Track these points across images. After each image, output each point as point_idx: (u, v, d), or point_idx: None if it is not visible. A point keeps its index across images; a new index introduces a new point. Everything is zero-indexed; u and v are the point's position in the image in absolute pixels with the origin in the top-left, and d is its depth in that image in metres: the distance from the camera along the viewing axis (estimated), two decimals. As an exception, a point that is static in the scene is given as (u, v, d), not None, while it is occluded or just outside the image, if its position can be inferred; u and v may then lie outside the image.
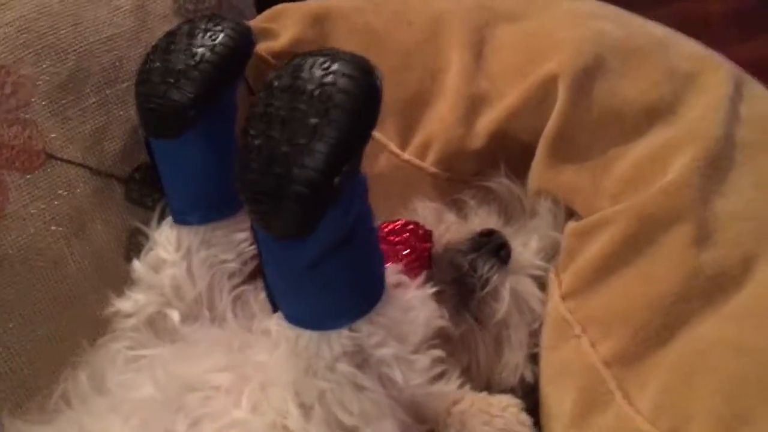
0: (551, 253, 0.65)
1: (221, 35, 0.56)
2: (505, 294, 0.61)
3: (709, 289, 0.58)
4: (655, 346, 0.56)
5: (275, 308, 0.49)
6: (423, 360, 0.50)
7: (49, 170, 0.57)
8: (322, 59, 0.42)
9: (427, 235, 0.63)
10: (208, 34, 0.57)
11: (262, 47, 0.74)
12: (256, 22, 0.76)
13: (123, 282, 0.59)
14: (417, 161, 0.72)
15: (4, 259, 0.54)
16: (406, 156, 0.72)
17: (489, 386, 0.61)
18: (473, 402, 0.55)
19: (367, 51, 0.70)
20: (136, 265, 0.59)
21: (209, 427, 0.50)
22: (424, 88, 0.73)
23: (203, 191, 0.59)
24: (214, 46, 0.56)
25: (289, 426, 0.48)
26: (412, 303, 0.51)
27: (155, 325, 0.58)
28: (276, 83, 0.43)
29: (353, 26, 0.75)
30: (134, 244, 0.61)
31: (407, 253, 0.61)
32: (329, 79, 0.41)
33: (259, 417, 0.49)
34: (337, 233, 0.44)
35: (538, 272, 0.64)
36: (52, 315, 0.57)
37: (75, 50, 0.60)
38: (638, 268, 0.59)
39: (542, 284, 0.65)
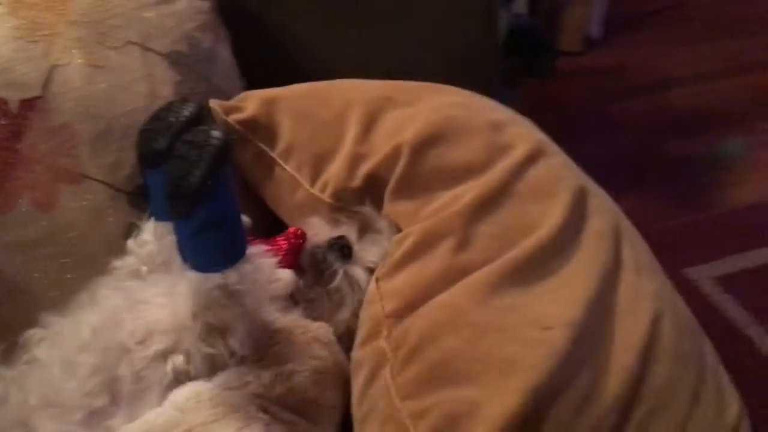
0: (381, 257, 1.05)
1: (183, 111, 1.01)
2: (341, 274, 1.02)
3: (457, 276, 0.95)
4: (416, 307, 0.94)
5: (183, 259, 0.92)
6: (263, 293, 0.92)
7: (84, 185, 1.03)
8: (208, 129, 0.86)
9: (302, 236, 1.05)
10: (176, 110, 1.01)
11: (232, 117, 1.19)
12: (231, 102, 1.22)
13: (122, 252, 1.04)
14: (319, 194, 1.13)
15: (54, 232, 1.00)
16: (313, 190, 1.14)
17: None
18: (299, 321, 0.96)
19: (296, 122, 1.16)
20: (130, 242, 1.04)
21: (146, 318, 0.91)
22: (329, 147, 1.15)
23: None
24: (178, 117, 1.00)
25: (186, 324, 0.90)
26: (263, 265, 0.93)
27: (135, 275, 1.02)
28: (183, 138, 0.87)
29: (290, 107, 1.18)
30: (131, 232, 1.06)
31: (286, 245, 1.03)
32: (206, 138, 0.85)
33: (172, 317, 0.90)
34: (208, 217, 0.86)
35: (371, 265, 1.04)
36: (78, 266, 1.02)
37: (106, 117, 1.07)
38: (419, 263, 0.98)
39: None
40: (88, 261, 1.02)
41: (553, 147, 1.15)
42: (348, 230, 1.08)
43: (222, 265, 0.87)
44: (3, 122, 0.99)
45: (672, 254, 1.13)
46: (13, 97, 1.00)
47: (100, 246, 1.03)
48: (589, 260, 0.97)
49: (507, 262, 0.94)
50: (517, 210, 1.01)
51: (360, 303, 1.03)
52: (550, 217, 1.01)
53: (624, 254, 1.02)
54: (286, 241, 1.03)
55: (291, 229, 1.07)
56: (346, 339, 1.02)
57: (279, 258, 1.02)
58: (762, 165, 2.20)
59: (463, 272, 0.95)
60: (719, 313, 1.71)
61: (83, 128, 1.04)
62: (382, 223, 1.07)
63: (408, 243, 1.00)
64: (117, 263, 1.01)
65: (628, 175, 2.10)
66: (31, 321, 0.94)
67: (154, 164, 0.98)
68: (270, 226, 1.20)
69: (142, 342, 0.90)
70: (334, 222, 1.10)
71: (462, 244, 0.97)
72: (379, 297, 0.97)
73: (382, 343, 0.90)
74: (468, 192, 1.03)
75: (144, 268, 1.01)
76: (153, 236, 1.03)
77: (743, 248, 1.87)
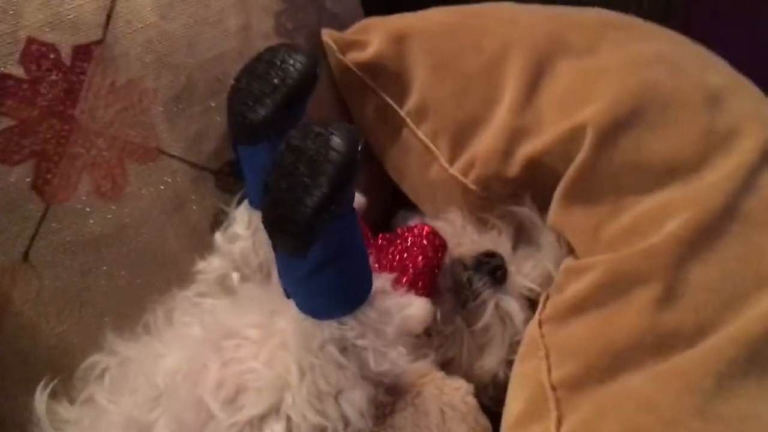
0: (542, 281, 0.79)
1: (292, 69, 0.74)
2: (491, 308, 0.77)
3: (659, 345, 0.70)
4: (596, 382, 0.70)
5: (289, 297, 0.69)
6: (393, 353, 0.69)
7: (159, 163, 0.79)
8: (324, 130, 0.59)
9: (441, 246, 0.79)
10: (283, 65, 0.74)
11: (350, 57, 0.91)
12: (349, 34, 0.92)
13: (208, 249, 0.81)
14: (461, 177, 0.86)
15: (122, 225, 0.78)
16: (452, 171, 0.87)
17: (467, 379, 0.78)
18: (433, 378, 0.73)
19: (435, 72, 0.87)
20: (217, 236, 0.81)
21: (234, 368, 0.70)
22: (477, 113, 0.86)
23: None
24: (285, 78, 0.73)
25: (290, 382, 0.69)
26: (390, 308, 0.69)
27: (224, 283, 0.80)
28: (290, 143, 0.61)
29: (426, 48, 0.89)
30: (219, 222, 0.83)
31: (421, 260, 0.78)
32: (323, 149, 0.58)
33: (269, 370, 0.70)
34: (325, 255, 0.63)
35: (527, 294, 0.79)
36: (153, 269, 0.80)
37: (188, 67, 0.80)
38: (604, 313, 0.72)
39: (534, 305, 0.79)
40: (166, 262, 0.80)
41: (790, 133, 0.83)
42: (500, 240, 0.82)
43: (339, 310, 0.66)
44: (53, 77, 0.73)
45: None
46: (64, 42, 0.74)
47: (181, 242, 0.81)
48: None
49: (738, 339, 0.67)
50: (747, 246, 0.73)
51: (513, 343, 0.79)
52: (796, 262, 0.72)
53: None
54: (420, 252, 0.78)
55: (424, 229, 0.81)
56: (492, 390, 0.79)
57: (410, 278, 0.78)
58: None
59: (668, 342, 0.70)
60: None
61: (157, 85, 0.79)
62: (546, 237, 0.80)
63: (591, 280, 0.74)
64: (201, 265, 0.79)
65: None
66: (93, 342, 0.75)
67: (251, 139, 0.74)
68: (388, 198, 0.95)
69: (230, 402, 0.70)
70: (481, 223, 0.84)
71: (668, 296, 0.71)
72: (544, 352, 0.73)
73: (551, 431, 0.67)
74: (675, 211, 0.74)
75: (235, 275, 0.78)
76: (246, 228, 0.80)
77: None
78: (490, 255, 0.79)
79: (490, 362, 0.78)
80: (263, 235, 0.75)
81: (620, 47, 0.87)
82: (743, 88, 0.86)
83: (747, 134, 0.79)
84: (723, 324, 0.69)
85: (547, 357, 0.73)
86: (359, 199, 0.89)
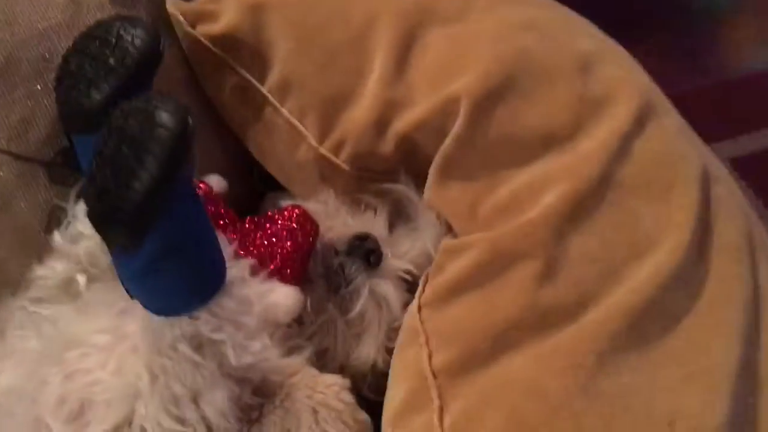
0: (420, 262, 0.75)
1: (130, 46, 0.65)
2: (365, 293, 0.72)
3: (540, 323, 0.67)
4: (478, 366, 0.66)
5: (131, 295, 0.61)
6: (255, 344, 0.63)
7: (-24, 157, 0.69)
8: (147, 106, 0.52)
9: (313, 230, 0.73)
10: (119, 43, 0.66)
11: (201, 30, 0.83)
12: (198, 3, 0.84)
13: (43, 252, 0.72)
14: (331, 156, 0.81)
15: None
16: (322, 150, 0.81)
17: (343, 371, 0.73)
18: (303, 377, 0.67)
19: (298, 44, 0.80)
20: (56, 236, 0.71)
21: (79, 381, 0.63)
22: (346, 87, 0.81)
23: None
24: (123, 57, 0.65)
25: (140, 389, 0.61)
26: (250, 297, 0.63)
27: (68, 289, 0.71)
28: (111, 124, 0.54)
29: (288, 19, 0.82)
30: (55, 219, 0.73)
31: (290, 244, 0.72)
32: (148, 127, 0.51)
33: (118, 378, 0.62)
34: (163, 245, 0.56)
35: (405, 276, 0.74)
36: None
37: (6, 45, 0.70)
38: (483, 293, 0.69)
39: (413, 287, 0.75)
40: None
41: (662, 99, 0.83)
42: (376, 221, 0.77)
43: (188, 304, 0.60)
44: None
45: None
46: None
47: (8, 246, 0.71)
48: (725, 298, 0.70)
49: (617, 311, 0.66)
50: (623, 214, 0.72)
51: (390, 330, 0.74)
52: (671, 228, 0.71)
53: (762, 280, 0.74)
54: (288, 236, 0.72)
55: (295, 212, 0.75)
56: (371, 379, 0.74)
57: (278, 264, 0.72)
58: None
59: (549, 319, 0.67)
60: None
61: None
62: (424, 215, 0.76)
63: (469, 259, 0.70)
64: (39, 271, 0.70)
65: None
66: None
67: (86, 128, 0.66)
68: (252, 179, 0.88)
69: (75, 419, 0.62)
70: (355, 203, 0.79)
71: (547, 271, 0.69)
72: (424, 338, 0.69)
73: (434, 428, 0.62)
74: (552, 183, 0.72)
75: (81, 278, 0.70)
76: (90, 226, 0.70)
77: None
78: (363, 237, 0.74)
79: (367, 350, 0.74)
80: None
81: (489, 12, 0.84)
82: (614, 53, 0.85)
83: (620, 100, 0.78)
84: (603, 296, 0.68)
85: (427, 343, 0.69)
86: (220, 182, 0.82)
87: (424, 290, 0.73)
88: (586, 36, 0.85)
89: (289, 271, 0.73)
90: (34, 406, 0.62)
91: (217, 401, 0.62)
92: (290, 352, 0.71)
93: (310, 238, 0.74)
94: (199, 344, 0.61)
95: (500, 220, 0.72)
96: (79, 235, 0.71)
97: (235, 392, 0.63)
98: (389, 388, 0.71)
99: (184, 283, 0.59)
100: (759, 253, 0.76)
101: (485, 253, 0.70)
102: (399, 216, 0.81)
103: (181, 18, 0.83)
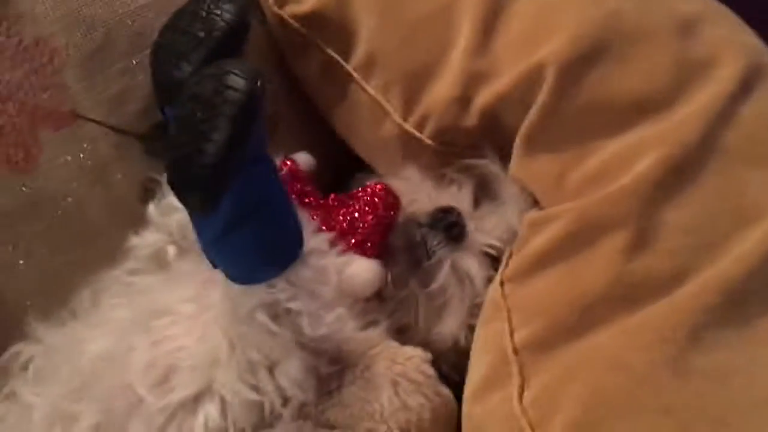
0: (506, 238, 0.72)
1: (218, 19, 0.67)
2: (446, 267, 0.71)
3: (630, 297, 0.63)
4: (562, 342, 0.63)
5: (213, 265, 0.62)
6: (330, 316, 0.63)
7: (76, 128, 0.73)
8: (219, 71, 0.54)
9: (394, 204, 0.72)
10: (209, 16, 0.68)
11: (288, 10, 0.84)
12: (286, -15, 0.85)
13: (139, 222, 0.75)
14: (416, 132, 0.80)
15: (37, 200, 0.71)
16: (407, 126, 0.80)
17: (425, 346, 0.71)
18: (384, 349, 0.66)
19: (381, 20, 0.80)
20: (150, 209, 0.74)
21: (165, 347, 0.65)
22: (430, 61, 0.79)
23: None
24: (211, 30, 0.67)
25: (220, 357, 0.62)
26: (327, 268, 0.63)
27: (159, 259, 0.74)
28: (186, 91, 0.55)
29: (372, -6, 0.81)
30: (150, 191, 0.76)
31: (371, 218, 0.72)
32: (220, 90, 0.52)
33: (202, 345, 0.64)
34: (239, 209, 0.57)
35: (489, 251, 0.72)
36: (74, 247, 0.74)
37: (104, 22, 0.74)
38: (570, 266, 0.65)
39: (499, 264, 0.72)
40: (90, 239, 0.74)
41: (769, 59, 0.76)
42: (460, 196, 0.75)
43: (266, 272, 0.61)
44: (-49, 39, 0.67)
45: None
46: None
47: (106, 216, 0.75)
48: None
49: (714, 284, 0.60)
50: (726, 182, 0.66)
51: (473, 307, 0.72)
52: (781, 195, 0.64)
53: None
54: (370, 210, 0.71)
55: (377, 187, 0.74)
56: (453, 357, 0.72)
57: (359, 238, 0.71)
58: None
59: (640, 292, 0.63)
60: None
61: (70, 42, 0.72)
62: (509, 189, 0.73)
63: (554, 231, 0.67)
64: (134, 241, 0.73)
65: None
66: (14, 331, 0.69)
67: (176, 99, 0.67)
68: (344, 162, 0.88)
69: (160, 384, 0.63)
70: (439, 178, 0.77)
71: (638, 243, 0.64)
72: (506, 313, 0.66)
73: (513, 404, 0.60)
74: (646, 150, 0.67)
75: (171, 249, 0.72)
76: None
77: None
78: (446, 211, 0.73)
79: (449, 327, 0.72)
80: None
81: (581, -22, 0.79)
82: (719, 13, 0.78)
83: (723, 62, 0.72)
84: (700, 269, 0.63)
85: (509, 318, 0.67)
86: (307, 158, 0.82)
87: (507, 264, 0.70)
88: (689, -1, 0.80)
89: (369, 244, 0.72)
90: (122, 371, 0.64)
91: (292, 371, 0.62)
92: (369, 326, 0.70)
93: (392, 212, 0.73)
94: (275, 314, 0.61)
95: (589, 191, 0.68)
96: (171, 207, 0.73)
97: (311, 363, 0.63)
98: (471, 366, 0.69)
99: (261, 250, 0.60)
100: None
101: (571, 224, 0.66)
102: (485, 192, 0.78)
103: (269, -1, 0.84)
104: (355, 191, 0.77)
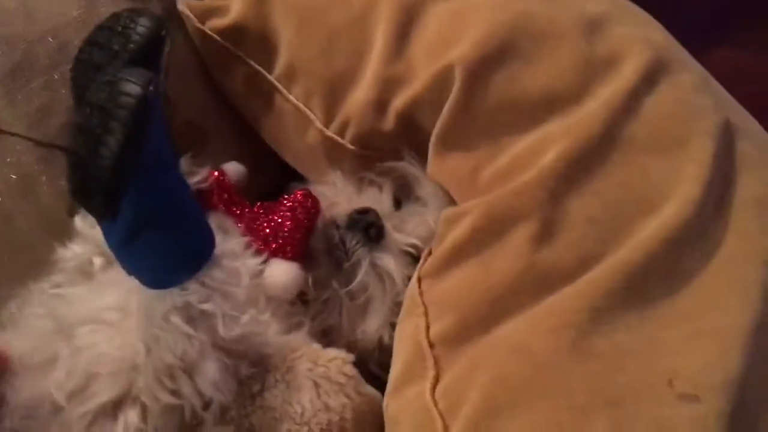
0: (427, 236, 0.73)
1: (133, 33, 0.68)
2: (365, 267, 0.72)
3: (538, 286, 0.64)
4: (475, 334, 0.64)
5: (127, 271, 0.63)
6: (245, 316, 0.63)
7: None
8: (114, 77, 0.55)
9: (313, 208, 0.74)
10: (124, 31, 0.68)
11: (210, 25, 0.85)
12: (208, 1, 0.86)
13: (66, 234, 0.75)
14: (337, 138, 0.81)
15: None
16: (329, 132, 0.81)
17: (352, 347, 0.72)
18: (306, 351, 0.67)
19: (300, 30, 0.81)
20: (77, 220, 0.75)
21: (86, 355, 0.64)
22: (348, 68, 0.81)
23: None
24: (126, 43, 0.67)
25: (138, 363, 0.63)
26: (239, 269, 0.63)
27: (85, 270, 0.74)
28: (82, 99, 0.56)
29: (290, 5, 0.83)
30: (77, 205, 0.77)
31: (290, 223, 0.73)
32: (114, 96, 0.53)
33: (120, 351, 0.64)
34: (140, 214, 0.57)
35: (410, 250, 0.73)
36: (3, 260, 0.74)
37: (25, 39, 0.75)
38: (480, 259, 0.67)
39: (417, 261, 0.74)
40: (17, 252, 0.74)
41: (678, 54, 0.78)
42: (380, 198, 0.76)
43: (175, 276, 0.61)
44: None
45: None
46: None
47: (33, 229, 0.75)
48: (744, 255, 0.64)
49: (615, 269, 0.62)
50: (629, 172, 0.68)
51: (395, 305, 0.73)
52: (682, 182, 0.67)
53: (792, 235, 0.67)
54: (290, 215, 0.72)
55: (298, 193, 0.75)
56: (378, 355, 0.73)
57: (279, 242, 0.72)
58: None
59: (547, 281, 0.64)
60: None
61: (-8, 59, 0.72)
62: (426, 187, 0.74)
63: (465, 226, 0.68)
64: (61, 253, 0.73)
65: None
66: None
67: (75, 107, 0.69)
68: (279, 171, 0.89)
69: (80, 392, 0.63)
70: (360, 182, 0.78)
71: (545, 233, 0.65)
72: (423, 308, 0.67)
73: (426, 395, 0.60)
74: (552, 143, 0.69)
75: (98, 260, 0.72)
76: None
77: None
78: (364, 212, 0.74)
79: (372, 326, 0.73)
80: None
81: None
82: (626, 12, 0.81)
83: (628, 58, 0.74)
84: (606, 256, 0.64)
85: (426, 314, 0.68)
86: (237, 168, 0.83)
87: (425, 261, 0.71)
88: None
89: (289, 248, 0.73)
90: (43, 380, 0.64)
91: (210, 373, 0.62)
92: (293, 328, 0.71)
93: (311, 216, 0.74)
94: (190, 316, 0.62)
95: (498, 185, 0.70)
96: None
97: (228, 365, 0.64)
98: (392, 361, 0.69)
99: (169, 254, 0.60)
100: (790, 208, 0.70)
101: (480, 219, 0.68)
102: (406, 193, 0.79)
103: (190, 14, 0.85)
104: (280, 199, 0.78)
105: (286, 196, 0.78)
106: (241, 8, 0.84)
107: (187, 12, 0.85)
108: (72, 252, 0.74)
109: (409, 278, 0.74)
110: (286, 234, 0.73)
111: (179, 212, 0.60)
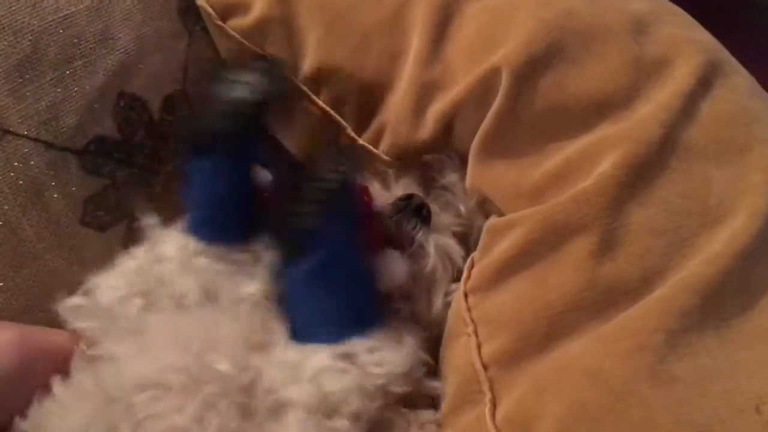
0: (466, 223, 0.68)
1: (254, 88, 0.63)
2: (431, 249, 0.67)
3: (600, 302, 0.58)
4: (533, 354, 0.58)
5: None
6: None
7: (4, 145, 0.66)
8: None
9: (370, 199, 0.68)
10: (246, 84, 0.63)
11: (232, 24, 0.79)
12: (230, -5, 0.80)
13: (79, 244, 0.68)
14: (371, 147, 0.75)
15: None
16: (362, 141, 0.75)
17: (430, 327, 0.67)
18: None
19: (329, 30, 0.75)
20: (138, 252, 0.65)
21: (151, 428, 0.53)
22: (382, 71, 0.75)
23: None
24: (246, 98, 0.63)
25: None
26: None
27: (126, 314, 0.63)
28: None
29: (317, 3, 0.77)
30: (90, 211, 0.69)
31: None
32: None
33: (201, 428, 0.53)
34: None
35: (459, 229, 0.69)
36: (8, 273, 0.66)
37: (32, 30, 0.68)
38: (535, 274, 0.61)
39: (465, 241, 0.70)
40: (26, 264, 0.67)
41: (728, 57, 0.73)
42: (407, 186, 0.70)
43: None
44: None
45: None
46: None
47: (43, 239, 0.68)
48: (816, 269, 0.58)
49: (688, 286, 0.56)
50: (691, 181, 0.62)
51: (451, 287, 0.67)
52: (747, 193, 0.62)
53: None
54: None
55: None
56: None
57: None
58: None
59: (610, 298, 0.58)
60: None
61: (-6, 52, 0.65)
62: (450, 176, 0.69)
63: (517, 237, 0.62)
64: (93, 284, 0.64)
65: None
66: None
67: (209, 148, 0.63)
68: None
69: None
70: (381, 176, 0.72)
71: (605, 246, 0.60)
72: (473, 327, 0.61)
73: (486, 423, 0.54)
74: (608, 149, 0.63)
75: (138, 301, 0.63)
76: (179, 251, 0.64)
77: None
78: (407, 197, 0.70)
79: (439, 304, 0.68)
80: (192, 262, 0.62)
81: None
82: (670, 12, 0.76)
83: (680, 60, 0.69)
84: (672, 270, 0.59)
85: (476, 332, 0.61)
86: (265, 177, 0.76)
87: (470, 275, 0.65)
88: (640, -3, 0.77)
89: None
90: None
91: None
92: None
93: (371, 205, 0.68)
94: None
95: (551, 194, 0.64)
96: (163, 257, 0.64)
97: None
98: (443, 385, 0.63)
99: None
100: None
101: (534, 230, 0.62)
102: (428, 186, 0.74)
103: (210, 11, 0.79)
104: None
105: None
106: (266, 5, 0.78)
107: (208, 8, 0.79)
108: (108, 286, 0.64)
109: (463, 258, 0.68)
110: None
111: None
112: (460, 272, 0.69)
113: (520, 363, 0.58)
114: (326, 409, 0.55)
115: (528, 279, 0.61)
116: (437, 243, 0.69)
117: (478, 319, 0.62)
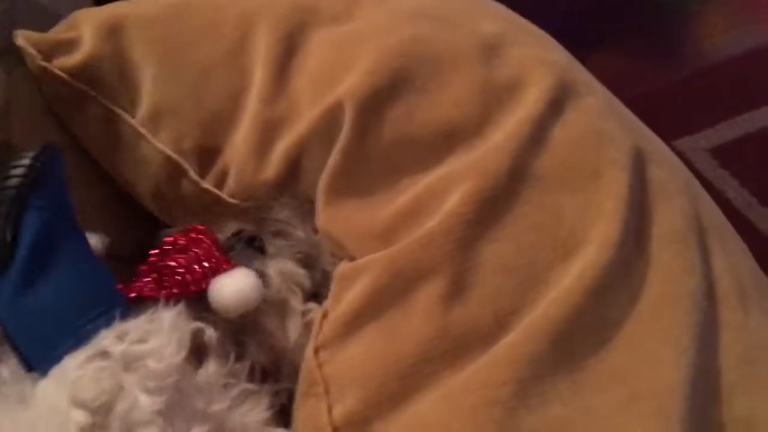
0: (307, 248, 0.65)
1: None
2: (272, 274, 0.62)
3: (453, 351, 0.55)
4: (385, 413, 0.54)
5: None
6: None
7: None
8: None
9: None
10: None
11: (57, 64, 0.71)
12: (54, 33, 0.73)
13: None
14: (215, 191, 0.69)
15: None
16: (204, 184, 0.69)
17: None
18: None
19: (164, 67, 0.68)
20: None
21: None
22: (224, 109, 0.69)
23: None
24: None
25: None
26: None
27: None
28: None
29: (151, 38, 0.71)
30: None
31: (205, 246, 0.63)
32: None
33: None
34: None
35: (301, 254, 0.65)
36: None
37: None
38: (385, 324, 0.57)
39: (311, 264, 0.65)
40: None
41: (580, 74, 0.71)
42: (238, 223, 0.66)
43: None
44: None
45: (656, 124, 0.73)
46: None
47: None
48: (671, 296, 0.57)
49: (538, 329, 0.53)
50: (542, 212, 0.60)
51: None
52: (599, 221, 0.59)
53: (716, 269, 0.61)
54: (195, 243, 0.61)
55: (184, 233, 0.63)
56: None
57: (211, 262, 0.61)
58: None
59: (464, 345, 0.54)
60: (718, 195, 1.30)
61: None
62: (283, 212, 0.66)
63: (364, 285, 0.58)
64: None
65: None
66: None
67: None
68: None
69: None
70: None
71: (456, 290, 0.56)
72: (323, 386, 0.56)
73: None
74: (456, 183, 0.59)
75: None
76: None
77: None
78: (237, 232, 0.65)
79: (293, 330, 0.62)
80: None
81: (378, 6, 0.72)
82: (524, 32, 0.73)
83: (530, 83, 0.66)
84: (525, 309, 0.56)
85: (327, 392, 0.56)
86: (99, 240, 0.69)
87: (321, 327, 0.60)
88: (491, 18, 0.74)
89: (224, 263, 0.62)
90: None
91: None
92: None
93: (213, 238, 0.63)
94: None
95: (400, 235, 0.60)
96: None
97: None
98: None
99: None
100: (710, 238, 0.63)
101: (382, 276, 0.57)
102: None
103: (33, 51, 0.71)
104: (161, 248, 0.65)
105: (169, 239, 0.65)
106: (95, 41, 0.71)
107: (29, 48, 0.71)
108: None
109: (311, 278, 0.64)
110: (209, 253, 0.61)
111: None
112: (312, 294, 0.64)
113: (372, 424, 0.54)
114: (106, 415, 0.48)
115: (378, 330, 0.57)
116: (278, 268, 0.64)
117: (329, 376, 0.57)
